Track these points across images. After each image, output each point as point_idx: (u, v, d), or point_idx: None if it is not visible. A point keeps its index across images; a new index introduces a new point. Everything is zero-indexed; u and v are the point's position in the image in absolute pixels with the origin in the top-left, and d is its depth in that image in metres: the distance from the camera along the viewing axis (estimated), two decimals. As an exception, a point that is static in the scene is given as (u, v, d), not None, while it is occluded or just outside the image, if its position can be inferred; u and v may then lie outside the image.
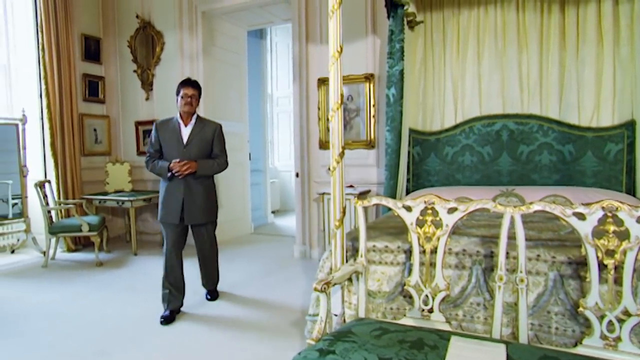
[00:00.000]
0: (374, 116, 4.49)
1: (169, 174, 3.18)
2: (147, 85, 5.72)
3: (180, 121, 3.28)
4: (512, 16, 3.80)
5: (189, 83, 3.27)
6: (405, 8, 3.67)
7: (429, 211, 2.08)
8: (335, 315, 2.38)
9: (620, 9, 3.47)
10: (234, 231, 5.98)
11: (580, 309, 1.74)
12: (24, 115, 5.01)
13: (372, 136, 4.51)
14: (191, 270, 3.89)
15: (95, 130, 5.78)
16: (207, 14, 5.44)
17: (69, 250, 5.22)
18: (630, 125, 3.42)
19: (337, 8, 2.29)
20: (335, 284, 1.99)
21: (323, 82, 4.69)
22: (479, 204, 1.96)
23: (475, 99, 3.97)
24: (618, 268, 1.70)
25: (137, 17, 5.65)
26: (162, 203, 3.29)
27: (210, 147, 3.36)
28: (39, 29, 5.06)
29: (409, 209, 2.11)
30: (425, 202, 2.09)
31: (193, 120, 3.30)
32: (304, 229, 4.91)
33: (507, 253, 2.01)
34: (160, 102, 5.69)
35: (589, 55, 3.55)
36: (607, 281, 1.70)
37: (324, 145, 4.74)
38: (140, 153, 5.84)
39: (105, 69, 5.94)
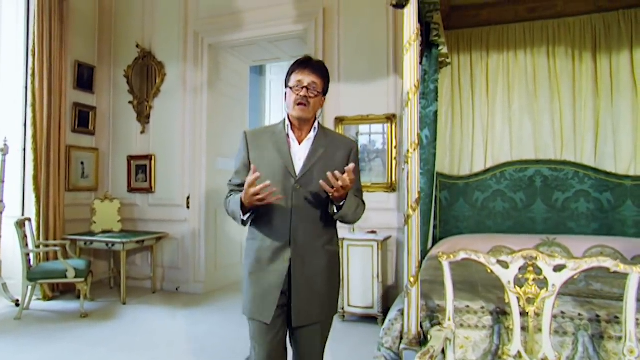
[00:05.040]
0: (395, 158, 4.29)
1: (246, 215, 1.75)
2: (144, 117, 5.34)
3: (291, 133, 1.85)
4: (543, 62, 3.77)
5: (308, 64, 1.81)
6: (440, 48, 3.56)
7: (530, 268, 1.82)
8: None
9: (653, 58, 3.50)
10: (230, 277, 5.50)
11: None
12: (5, 144, 4.49)
13: (393, 179, 4.29)
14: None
15: (82, 163, 5.29)
16: (213, 46, 5.21)
17: (46, 298, 4.58)
18: (670, 174, 3.37)
19: (415, 40, 2.10)
20: (436, 356, 1.66)
21: (341, 121, 4.48)
22: (594, 262, 1.72)
23: (506, 143, 3.87)
24: None
25: (137, 46, 5.35)
26: (248, 282, 1.82)
27: None
28: (29, 53, 4.65)
29: (505, 265, 1.84)
30: (524, 257, 1.83)
31: (312, 134, 1.85)
32: (316, 276, 4.53)
33: (617, 317, 1.79)
34: (157, 135, 5.31)
35: (624, 103, 3.53)
36: None
37: (340, 186, 4.47)
38: (131, 190, 5.37)
39: (98, 99, 5.52)
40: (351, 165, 1.65)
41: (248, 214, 1.75)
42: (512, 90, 3.85)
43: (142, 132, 5.36)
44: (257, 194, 1.63)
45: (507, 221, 3.76)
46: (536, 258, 1.81)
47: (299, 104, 1.77)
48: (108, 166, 5.54)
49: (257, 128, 2.02)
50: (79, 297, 4.26)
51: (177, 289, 5.13)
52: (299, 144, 1.84)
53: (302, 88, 1.77)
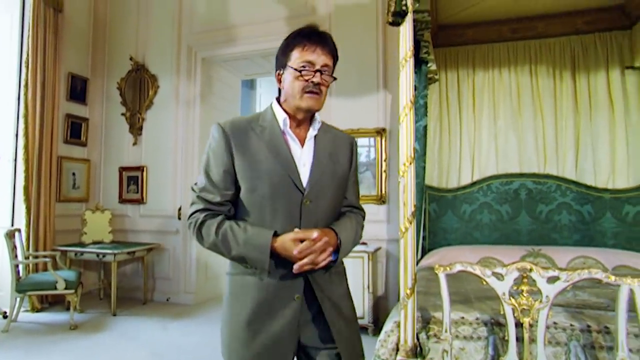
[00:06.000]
0: (385, 171, 4.40)
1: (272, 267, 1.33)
2: (136, 129, 5.37)
3: (289, 130, 1.40)
4: (526, 80, 3.95)
5: (319, 39, 1.38)
6: (429, 65, 3.70)
7: (524, 280, 1.91)
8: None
9: (627, 78, 3.71)
10: (221, 288, 5.51)
11: None
12: (-4, 155, 4.48)
13: (383, 191, 4.39)
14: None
15: (73, 174, 5.28)
16: (207, 60, 5.29)
17: (34, 309, 4.53)
18: (645, 188, 3.55)
19: (410, 57, 2.22)
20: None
21: (333, 134, 4.58)
22: (585, 273, 1.83)
23: (492, 157, 4.02)
24: None
25: (131, 59, 5.39)
26: (245, 334, 1.35)
27: (344, 188, 1.51)
28: (23, 65, 4.66)
29: (500, 277, 1.94)
30: (518, 269, 1.93)
31: (313, 131, 1.44)
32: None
33: (607, 327, 1.90)
34: (149, 147, 5.33)
35: (602, 121, 3.72)
36: None
37: (332, 198, 4.56)
38: (122, 201, 5.36)
39: (90, 111, 5.53)
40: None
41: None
42: (498, 107, 4.02)
43: (134, 143, 5.38)
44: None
45: (493, 233, 3.89)
46: (531, 270, 1.90)
47: (309, 92, 1.34)
48: (99, 177, 5.53)
49: (236, 120, 1.43)
50: (68, 309, 4.23)
51: (167, 300, 5.12)
52: (302, 145, 1.41)
53: (316, 72, 1.34)
